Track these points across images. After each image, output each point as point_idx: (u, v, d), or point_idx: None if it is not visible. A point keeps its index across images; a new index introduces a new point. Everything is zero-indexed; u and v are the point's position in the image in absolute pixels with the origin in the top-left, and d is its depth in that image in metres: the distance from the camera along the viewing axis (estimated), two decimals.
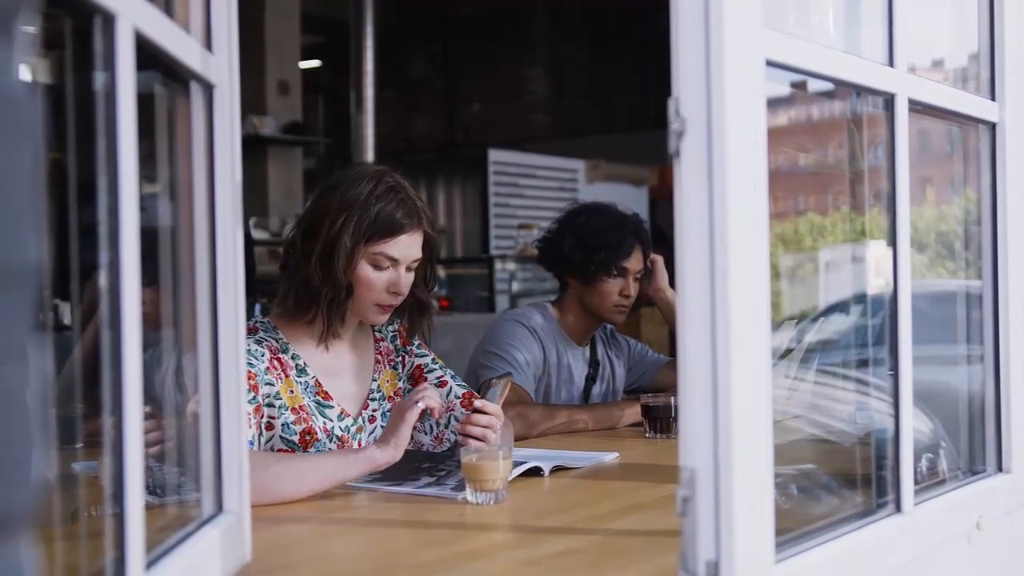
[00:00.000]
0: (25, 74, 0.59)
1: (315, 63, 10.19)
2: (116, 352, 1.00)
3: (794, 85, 1.47)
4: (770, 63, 1.23)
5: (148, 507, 1.07)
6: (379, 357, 2.36)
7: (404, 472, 2.04)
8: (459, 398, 2.34)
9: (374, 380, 2.33)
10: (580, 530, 1.70)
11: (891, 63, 1.50)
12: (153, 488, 1.34)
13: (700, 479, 1.16)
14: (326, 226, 2.14)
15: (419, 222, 2.21)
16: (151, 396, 1.16)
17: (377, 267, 2.17)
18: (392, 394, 2.35)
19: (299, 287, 2.18)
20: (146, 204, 1.11)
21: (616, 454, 2.35)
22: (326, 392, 2.22)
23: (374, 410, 2.31)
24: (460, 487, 1.90)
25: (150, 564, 1.09)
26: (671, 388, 2.93)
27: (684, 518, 1.17)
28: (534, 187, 8.27)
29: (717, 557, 1.15)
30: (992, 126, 1.79)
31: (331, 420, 2.20)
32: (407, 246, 2.19)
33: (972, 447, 1.85)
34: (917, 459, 1.61)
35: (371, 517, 1.79)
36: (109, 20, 0.98)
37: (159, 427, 1.49)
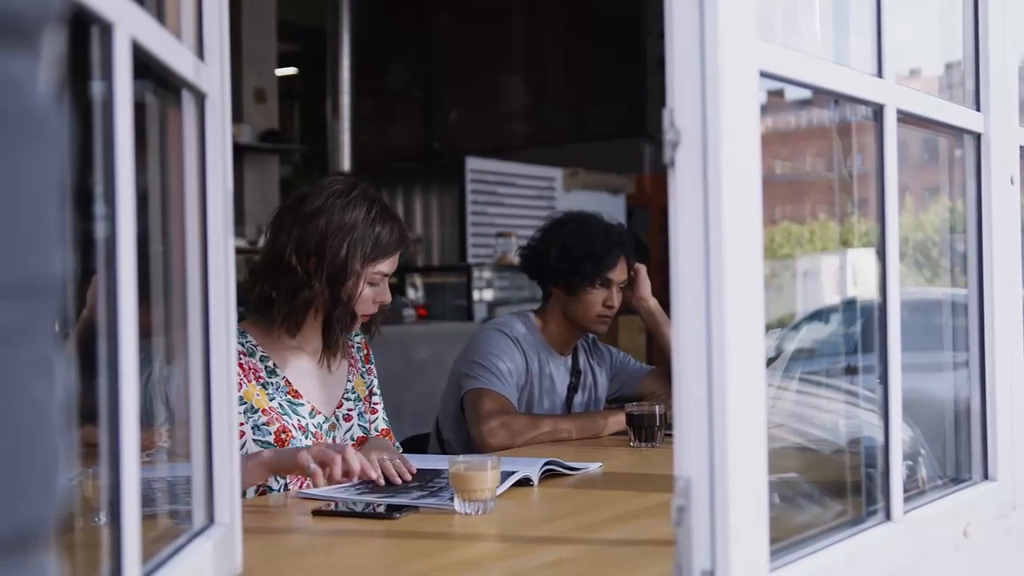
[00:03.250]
0: (50, 86, 0.59)
1: (291, 70, 10.17)
2: (112, 362, 0.99)
3: (771, 93, 1.47)
4: (764, 74, 1.24)
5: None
6: (352, 360, 2.44)
7: (395, 487, 2.03)
8: (378, 431, 2.41)
9: (349, 381, 2.40)
10: (570, 540, 1.70)
11: (880, 74, 1.51)
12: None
13: (695, 488, 1.16)
14: (329, 250, 2.20)
15: (407, 238, 2.34)
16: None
17: (371, 284, 2.28)
18: (363, 397, 2.43)
19: (301, 308, 2.23)
20: (136, 213, 1.11)
21: (600, 464, 2.35)
22: (296, 391, 2.27)
23: (349, 409, 2.38)
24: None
25: None
26: (653, 396, 2.93)
27: (679, 527, 1.17)
28: (512, 195, 8.27)
29: (713, 566, 1.15)
30: (977, 136, 1.81)
31: (304, 417, 2.26)
32: (396, 261, 2.32)
33: (958, 455, 1.86)
34: None
35: (361, 528, 1.78)
36: (107, 29, 0.97)
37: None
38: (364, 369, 2.47)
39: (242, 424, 2.16)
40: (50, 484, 0.57)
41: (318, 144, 8.80)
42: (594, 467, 2.33)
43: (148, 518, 1.38)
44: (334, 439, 2.32)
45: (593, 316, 2.99)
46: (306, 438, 2.23)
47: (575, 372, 3.12)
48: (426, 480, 2.11)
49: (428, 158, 9.88)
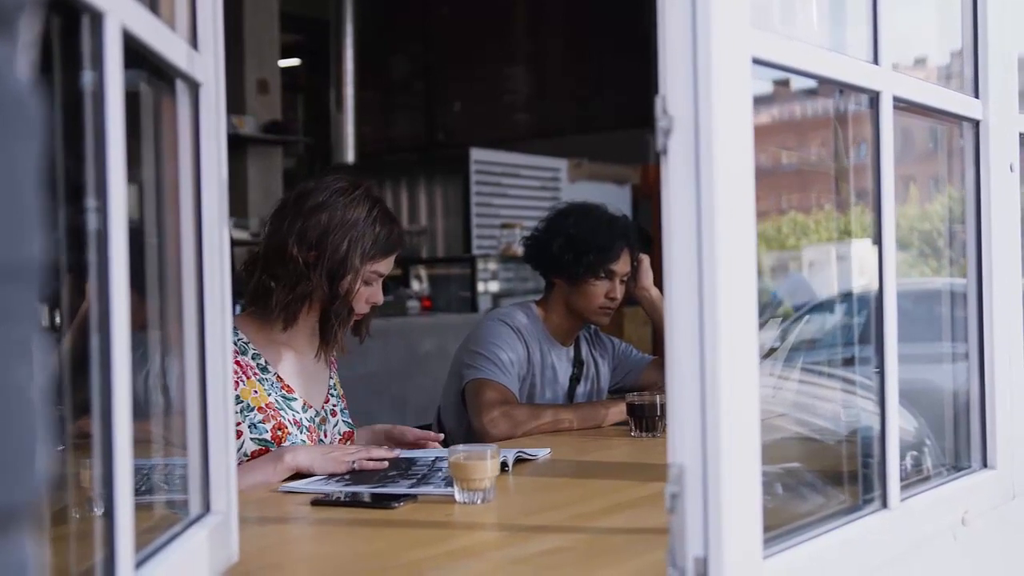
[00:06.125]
0: (28, 72, 0.59)
1: (295, 62, 10.17)
2: (105, 353, 0.99)
3: (776, 83, 1.47)
4: (757, 61, 1.23)
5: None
6: (332, 359, 2.47)
7: (376, 478, 2.03)
8: (340, 434, 2.42)
9: (331, 378, 2.45)
10: (568, 528, 1.70)
11: (876, 61, 1.51)
12: (137, 487, 1.34)
13: (688, 475, 1.16)
14: (330, 244, 2.24)
15: (404, 241, 2.38)
16: (135, 398, 1.15)
17: (367, 283, 2.30)
18: (342, 395, 2.48)
19: (299, 300, 2.25)
20: (130, 204, 1.11)
21: (548, 450, 2.37)
22: (288, 386, 2.30)
23: (334, 405, 2.43)
24: (451, 483, 1.89)
25: (139, 564, 1.08)
26: (655, 387, 2.93)
27: (673, 514, 1.17)
28: (516, 186, 8.27)
29: (706, 553, 1.15)
30: (976, 123, 1.80)
31: (297, 412, 2.29)
32: (392, 263, 2.35)
33: (957, 443, 1.86)
34: (902, 457, 1.62)
35: (358, 517, 1.78)
36: (97, 18, 0.97)
37: None
38: (336, 370, 2.52)
39: (239, 424, 2.17)
40: (29, 466, 0.57)
41: (322, 136, 8.80)
42: (542, 453, 2.35)
43: (146, 506, 1.39)
44: (325, 433, 2.35)
45: (595, 307, 2.99)
46: (300, 433, 2.25)
47: (578, 363, 3.12)
48: (405, 469, 2.12)
49: (432, 149, 9.88)
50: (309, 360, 2.36)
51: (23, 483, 0.56)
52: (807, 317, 2.32)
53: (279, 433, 2.22)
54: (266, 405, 2.22)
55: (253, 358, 2.27)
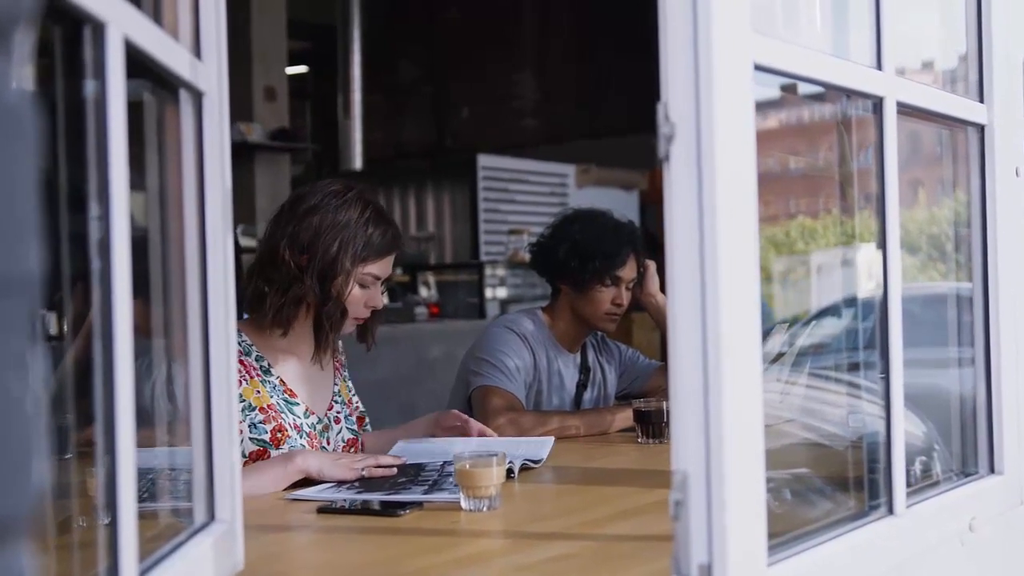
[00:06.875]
0: (23, 84, 0.59)
1: (302, 68, 10.18)
2: (108, 362, 1.00)
3: (784, 88, 1.47)
4: (759, 67, 1.23)
5: (139, 515, 1.06)
6: (337, 365, 2.47)
7: (387, 485, 2.03)
8: (344, 442, 2.42)
9: (335, 384, 2.44)
10: (574, 535, 1.70)
11: (879, 66, 1.50)
12: (141, 495, 1.34)
13: (692, 482, 1.16)
14: (321, 247, 2.23)
15: (401, 243, 2.36)
16: (141, 406, 1.16)
17: (362, 286, 2.30)
18: (347, 401, 2.46)
19: (292, 303, 2.25)
20: (134, 213, 1.11)
21: (551, 439, 2.39)
22: (291, 390, 2.30)
23: (338, 412, 2.42)
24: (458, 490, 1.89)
25: (143, 573, 1.09)
26: (662, 393, 2.93)
27: (677, 521, 1.17)
28: (524, 192, 8.27)
29: (710, 560, 1.15)
30: (981, 128, 1.80)
31: (299, 417, 2.29)
32: (390, 265, 2.34)
33: (964, 449, 1.86)
34: (910, 462, 1.61)
35: (364, 525, 1.78)
36: (99, 28, 0.98)
37: None
38: (345, 375, 2.51)
39: (240, 422, 2.17)
40: (24, 477, 0.57)
41: (329, 142, 8.81)
42: (547, 445, 2.36)
43: (151, 514, 1.39)
44: (328, 440, 2.35)
45: (601, 314, 2.98)
46: (301, 437, 2.25)
47: (584, 369, 3.12)
48: (414, 475, 2.11)
49: (440, 155, 9.86)
50: (312, 367, 2.36)
51: (19, 494, 0.56)
52: (815, 322, 2.32)
53: (278, 435, 2.22)
54: (267, 406, 2.23)
55: (256, 360, 2.27)
